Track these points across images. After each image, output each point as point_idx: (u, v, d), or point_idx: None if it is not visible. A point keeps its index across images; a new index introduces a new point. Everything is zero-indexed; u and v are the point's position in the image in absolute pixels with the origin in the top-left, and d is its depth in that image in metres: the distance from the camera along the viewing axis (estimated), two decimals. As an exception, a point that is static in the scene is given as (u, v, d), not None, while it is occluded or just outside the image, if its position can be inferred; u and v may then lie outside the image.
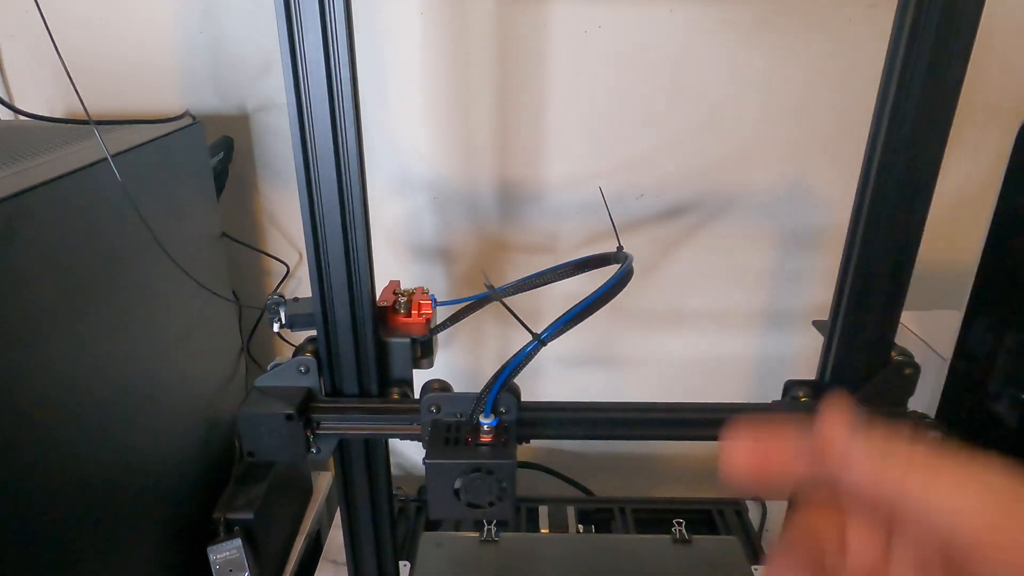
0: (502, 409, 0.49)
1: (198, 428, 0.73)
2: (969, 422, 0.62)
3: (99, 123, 0.51)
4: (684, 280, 0.89)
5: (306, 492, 0.95)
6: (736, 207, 0.85)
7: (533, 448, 0.99)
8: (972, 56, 0.43)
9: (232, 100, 0.83)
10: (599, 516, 0.84)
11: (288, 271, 0.90)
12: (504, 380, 0.46)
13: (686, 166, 0.83)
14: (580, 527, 0.80)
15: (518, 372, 0.47)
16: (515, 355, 0.46)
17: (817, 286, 0.88)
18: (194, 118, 0.73)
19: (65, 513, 0.50)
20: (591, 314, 0.46)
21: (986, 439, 0.64)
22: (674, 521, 0.72)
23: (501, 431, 0.48)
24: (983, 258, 0.58)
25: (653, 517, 0.84)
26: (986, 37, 0.46)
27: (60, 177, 0.48)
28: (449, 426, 0.49)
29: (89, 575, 0.52)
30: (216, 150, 0.80)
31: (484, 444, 0.48)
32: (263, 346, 0.94)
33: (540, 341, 0.45)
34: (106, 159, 0.52)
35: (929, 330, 0.68)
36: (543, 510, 0.83)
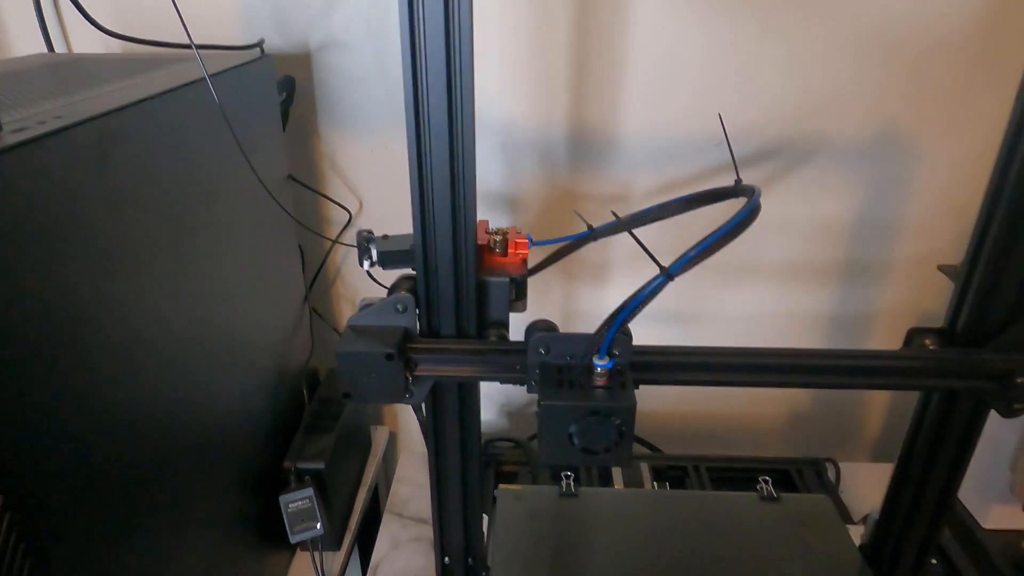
0: (616, 352, 0.46)
1: (270, 375, 0.71)
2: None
3: (184, 47, 0.48)
4: (762, 231, 0.85)
5: (366, 447, 0.93)
6: (818, 155, 0.80)
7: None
8: None
9: (293, 38, 0.79)
10: (672, 474, 0.82)
11: (350, 218, 0.87)
12: (626, 317, 0.43)
13: (767, 113, 0.78)
14: (655, 484, 0.78)
15: (642, 308, 0.43)
16: (640, 290, 0.43)
17: (903, 238, 0.84)
18: (263, 50, 0.69)
19: (151, 457, 0.48)
20: (719, 249, 0.43)
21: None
22: (760, 478, 0.69)
23: (616, 374, 0.45)
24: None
25: (727, 476, 0.82)
26: None
27: (151, 97, 0.45)
28: (560, 368, 0.46)
29: (166, 519, 0.51)
30: (279, 89, 0.76)
31: (599, 387, 0.45)
32: (321, 296, 0.92)
33: (668, 275, 0.42)
34: (191, 83, 0.49)
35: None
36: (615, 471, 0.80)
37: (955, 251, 0.80)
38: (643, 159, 0.82)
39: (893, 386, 0.48)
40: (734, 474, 0.80)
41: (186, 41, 0.50)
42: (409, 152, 0.45)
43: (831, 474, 0.85)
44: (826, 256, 0.86)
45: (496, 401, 0.98)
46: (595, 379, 0.45)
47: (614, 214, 0.44)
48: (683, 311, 0.91)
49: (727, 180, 0.82)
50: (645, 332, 0.80)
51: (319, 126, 0.84)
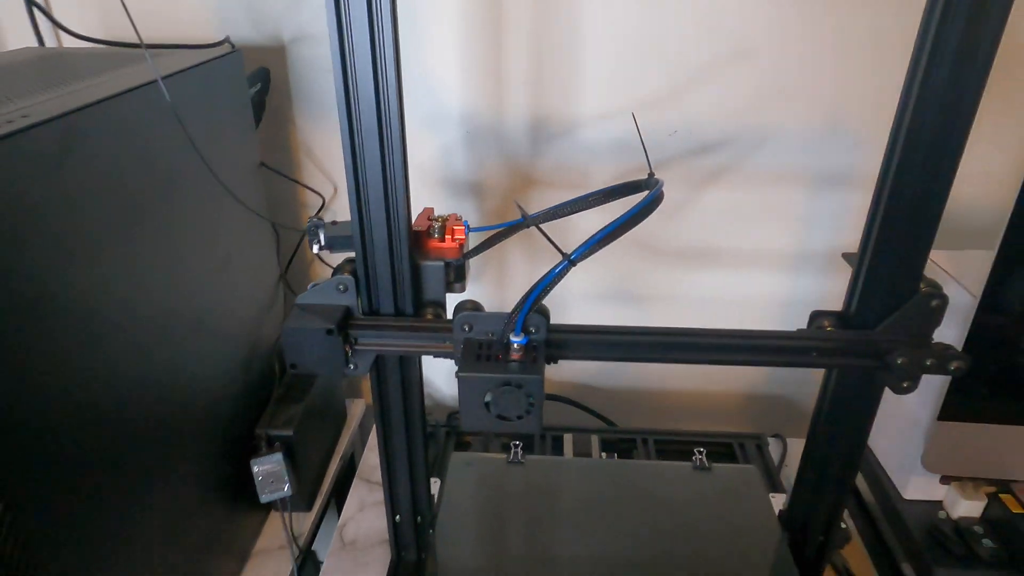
0: (532, 329, 0.51)
1: (240, 351, 0.76)
2: (995, 359, 0.63)
3: (149, 47, 0.53)
4: (715, 218, 0.89)
5: (340, 417, 0.99)
6: (769, 145, 0.84)
7: (560, 383, 1.02)
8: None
9: (267, 31, 0.84)
10: (622, 446, 0.87)
11: (324, 203, 0.92)
12: (534, 300, 0.48)
13: (720, 104, 0.82)
14: (603, 455, 0.83)
15: (547, 292, 0.48)
16: (545, 275, 0.47)
17: (848, 226, 0.87)
18: (233, 46, 0.74)
19: (122, 428, 0.53)
20: (619, 236, 0.47)
21: (1011, 378, 0.64)
22: (695, 449, 0.74)
23: (530, 349, 0.50)
24: (1020, 198, 0.57)
25: (674, 448, 0.87)
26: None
27: (111, 97, 0.50)
28: (480, 344, 0.52)
29: (145, 486, 0.56)
30: (253, 81, 0.81)
31: (514, 361, 0.50)
32: (299, 275, 0.97)
33: (570, 261, 0.46)
34: (155, 81, 0.54)
35: (961, 269, 0.67)
36: (568, 438, 0.86)
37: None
38: (600, 148, 0.86)
39: (790, 363, 0.53)
40: (679, 447, 0.85)
41: (168, 37, 0.54)
42: (344, 147, 0.50)
43: (778, 449, 0.90)
44: (778, 243, 0.90)
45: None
46: (511, 354, 0.50)
47: (518, 206, 0.49)
48: (644, 293, 0.95)
49: (680, 169, 0.87)
50: (606, 314, 0.85)
51: (295, 115, 0.89)
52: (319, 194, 0.91)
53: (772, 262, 0.91)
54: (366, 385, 1.09)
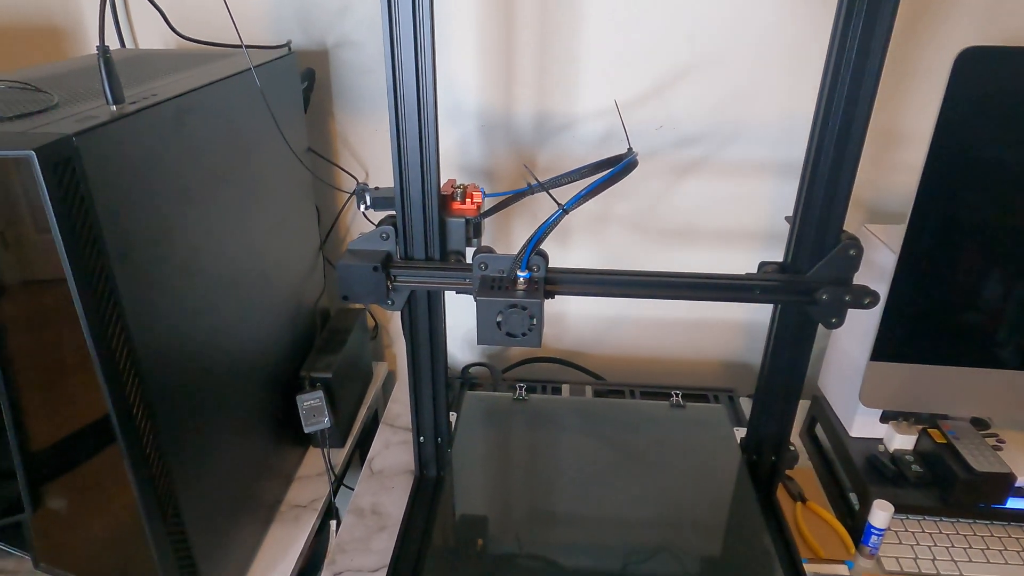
0: (534, 267, 0.65)
1: (289, 305, 0.90)
2: (913, 306, 0.76)
3: (248, 47, 0.68)
4: (695, 202, 1.03)
5: (368, 374, 1.13)
6: (741, 139, 0.98)
7: (558, 349, 1.15)
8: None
9: (314, 36, 0.99)
10: (612, 396, 1.00)
11: (357, 183, 1.06)
12: (537, 241, 0.62)
13: (698, 103, 0.96)
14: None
15: (546, 236, 0.62)
16: (544, 221, 0.61)
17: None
18: (290, 49, 0.89)
19: (202, 364, 0.66)
20: (601, 191, 0.61)
21: (929, 324, 0.77)
22: (672, 392, 0.87)
23: (533, 283, 0.64)
24: (924, 171, 0.71)
25: (654, 397, 1.00)
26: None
27: (211, 83, 0.65)
28: (494, 279, 0.66)
29: (219, 413, 0.70)
30: (302, 79, 0.96)
31: (520, 290, 0.64)
32: (335, 250, 1.12)
33: (564, 210, 0.60)
34: (239, 73, 0.69)
35: (892, 238, 0.81)
36: (565, 388, 0.99)
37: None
38: (596, 139, 1.00)
39: (739, 299, 0.67)
40: (660, 397, 0.98)
41: (228, 41, 0.69)
42: (391, 126, 0.64)
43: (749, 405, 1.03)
44: (749, 224, 1.04)
45: (476, 346, 1.18)
46: (518, 286, 0.64)
47: (527, 169, 0.63)
48: (637, 267, 1.09)
49: (665, 159, 1.01)
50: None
51: (334, 109, 1.04)
52: (354, 176, 1.06)
53: (744, 241, 1.05)
54: (389, 351, 1.23)
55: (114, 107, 0.54)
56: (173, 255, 0.60)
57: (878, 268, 0.79)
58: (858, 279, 0.66)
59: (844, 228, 0.66)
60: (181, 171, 0.61)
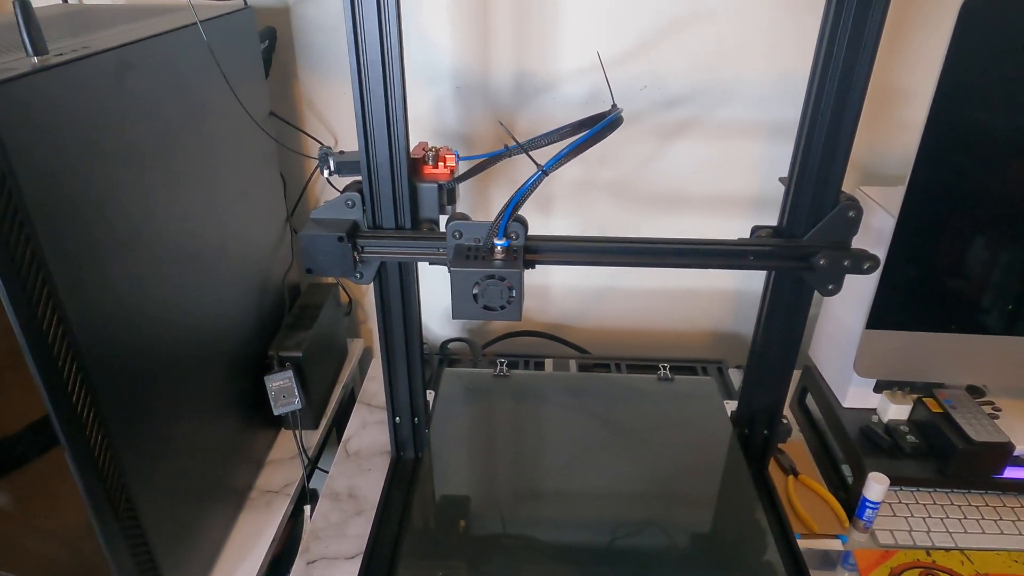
0: (512, 235, 0.60)
1: (255, 280, 0.85)
2: (911, 272, 0.73)
3: (197, 2, 0.61)
4: (683, 166, 0.98)
5: (342, 352, 1.08)
6: (730, 100, 0.93)
7: (542, 323, 1.11)
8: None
9: (274, -8, 0.92)
10: (597, 370, 0.97)
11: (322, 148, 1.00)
12: (514, 206, 0.57)
13: (684, 59, 0.91)
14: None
15: (525, 200, 0.57)
16: (522, 185, 0.56)
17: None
18: (246, 3, 0.82)
19: (160, 344, 0.61)
20: (583, 151, 0.56)
21: (926, 290, 0.74)
22: (659, 364, 0.84)
23: (512, 251, 0.60)
24: (925, 131, 0.66)
25: (641, 371, 0.97)
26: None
27: (153, 36, 0.59)
28: (469, 248, 0.61)
29: (177, 398, 0.65)
30: (262, 38, 0.89)
31: (498, 259, 0.59)
32: (302, 223, 1.06)
33: (544, 171, 0.56)
34: (185, 27, 0.62)
35: (890, 201, 0.77)
36: (548, 362, 0.95)
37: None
38: (578, 100, 0.95)
39: (731, 266, 0.63)
40: (647, 371, 0.95)
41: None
42: (352, 82, 0.59)
43: (739, 377, 1.00)
44: (739, 188, 0.99)
45: (455, 321, 1.13)
46: (495, 255, 0.60)
47: (503, 126, 0.58)
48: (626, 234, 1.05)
49: (650, 122, 0.96)
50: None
51: (298, 71, 0.97)
52: (320, 143, 1.00)
53: (734, 207, 1.01)
54: (365, 327, 1.18)
55: (35, 59, 0.48)
56: (118, 226, 0.55)
57: (874, 232, 0.75)
58: (852, 244, 0.62)
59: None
60: (124, 132, 0.55)
